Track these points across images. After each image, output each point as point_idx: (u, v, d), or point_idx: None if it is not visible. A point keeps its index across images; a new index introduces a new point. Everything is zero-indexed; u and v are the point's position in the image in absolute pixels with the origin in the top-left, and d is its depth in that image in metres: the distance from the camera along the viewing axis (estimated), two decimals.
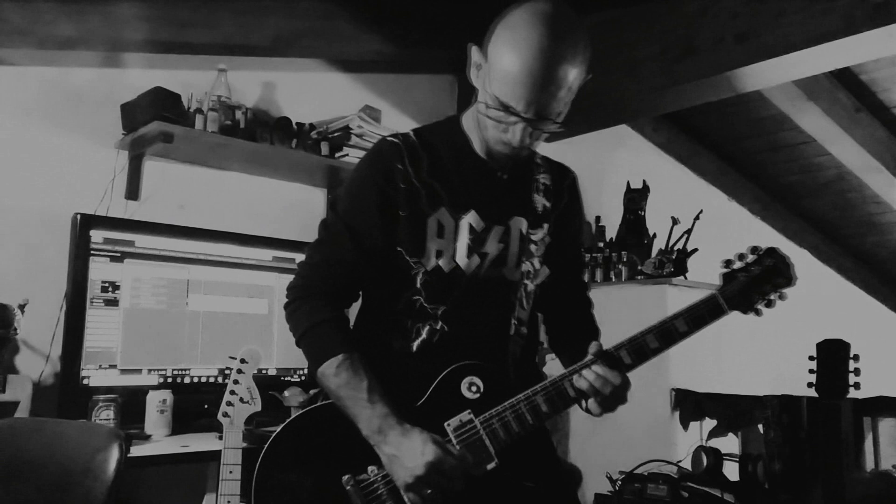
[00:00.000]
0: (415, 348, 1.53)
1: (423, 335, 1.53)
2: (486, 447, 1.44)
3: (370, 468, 1.46)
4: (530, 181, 1.65)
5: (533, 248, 1.60)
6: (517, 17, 1.41)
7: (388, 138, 1.59)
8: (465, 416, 1.46)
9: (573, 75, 1.41)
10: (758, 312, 1.56)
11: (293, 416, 1.57)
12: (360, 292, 1.63)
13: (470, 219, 1.55)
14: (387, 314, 1.57)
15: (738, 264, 1.55)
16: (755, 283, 1.54)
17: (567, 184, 1.72)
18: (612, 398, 1.48)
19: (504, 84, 1.40)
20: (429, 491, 1.40)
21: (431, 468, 1.38)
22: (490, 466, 1.44)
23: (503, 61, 1.39)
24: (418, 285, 1.53)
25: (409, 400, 1.49)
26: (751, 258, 1.55)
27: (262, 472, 1.50)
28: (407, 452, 1.40)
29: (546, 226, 1.63)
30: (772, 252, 1.56)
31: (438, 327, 1.52)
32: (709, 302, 1.52)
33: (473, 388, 1.48)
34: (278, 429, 1.53)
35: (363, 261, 1.54)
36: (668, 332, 1.51)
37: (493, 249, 1.56)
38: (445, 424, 1.45)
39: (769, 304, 1.57)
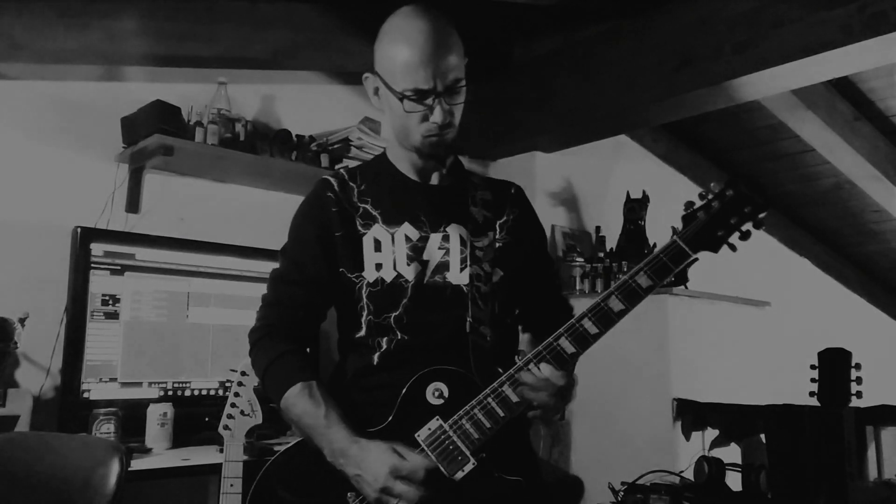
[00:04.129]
0: (376, 361, 1.55)
1: (383, 346, 1.54)
2: (461, 449, 1.44)
3: (349, 495, 1.46)
4: (466, 195, 1.68)
5: (479, 253, 1.60)
6: (390, 24, 1.56)
7: (321, 178, 1.69)
8: (434, 423, 1.46)
9: (455, 47, 1.52)
10: (732, 247, 1.47)
11: (276, 455, 1.62)
12: (318, 324, 1.68)
13: (405, 230, 1.59)
14: (350, 335, 1.60)
15: (698, 204, 1.48)
16: (719, 217, 1.46)
17: (511, 196, 1.75)
18: (559, 398, 1.47)
19: (407, 74, 1.49)
20: (395, 501, 1.39)
21: (391, 476, 1.39)
22: (468, 468, 1.43)
23: (397, 58, 1.50)
24: (364, 300, 1.56)
25: (378, 417, 1.49)
26: (711, 196, 1.48)
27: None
28: (367, 468, 1.41)
29: (491, 234, 1.64)
30: (732, 182, 1.48)
31: (399, 337, 1.53)
32: (669, 248, 1.46)
33: (437, 394, 1.47)
34: (262, 469, 1.58)
35: (313, 291, 1.61)
36: (631, 291, 1.45)
37: (433, 256, 1.58)
38: (416, 436, 1.45)
39: (744, 236, 1.47)
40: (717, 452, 3.10)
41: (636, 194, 4.02)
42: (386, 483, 1.39)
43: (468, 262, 1.59)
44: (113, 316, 2.61)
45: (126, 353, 2.62)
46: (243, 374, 2.06)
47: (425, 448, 1.45)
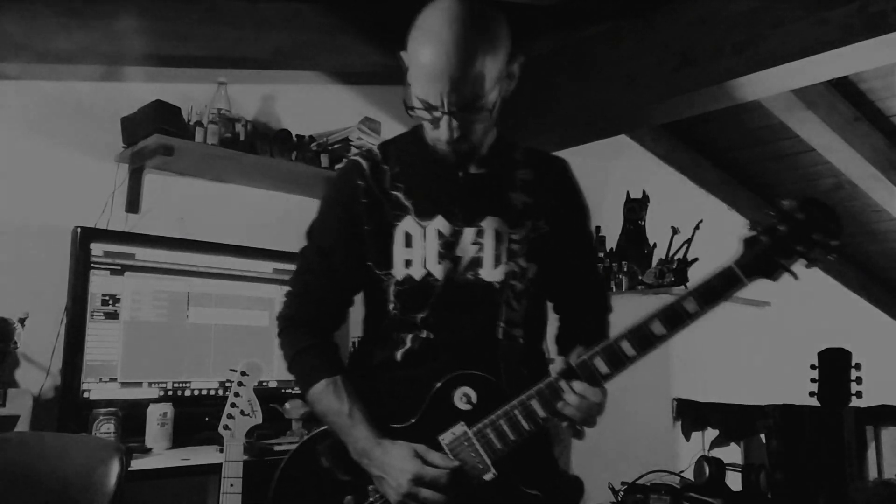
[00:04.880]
0: (399, 357, 1.53)
1: (408, 344, 1.52)
2: (482, 458, 1.42)
3: (370, 488, 1.46)
4: (506, 178, 1.59)
5: (515, 247, 1.54)
6: (422, 16, 1.44)
7: (352, 157, 1.64)
8: (458, 428, 1.44)
9: (480, 59, 1.39)
10: (794, 275, 1.35)
11: (311, 433, 1.60)
12: (345, 311, 1.66)
13: (437, 224, 1.53)
14: (375, 328, 1.59)
15: (762, 226, 1.35)
16: (783, 243, 1.34)
17: (554, 175, 1.65)
18: (590, 415, 1.42)
19: (417, 81, 1.43)
20: None
21: (415, 482, 1.38)
22: (488, 477, 1.42)
23: (413, 60, 1.42)
24: (392, 297, 1.54)
25: (402, 413, 1.48)
26: (777, 218, 1.35)
27: (279, 489, 1.54)
28: (390, 471, 1.41)
29: (529, 223, 1.56)
30: (804, 205, 1.33)
31: (424, 336, 1.51)
32: (723, 274, 1.36)
33: (465, 399, 1.45)
34: (295, 445, 1.58)
35: (338, 282, 1.59)
36: (676, 316, 1.37)
37: (466, 253, 1.53)
38: (440, 439, 1.44)
39: (811, 261, 1.34)
40: (717, 452, 3.09)
41: (636, 194, 4.02)
42: (410, 489, 1.39)
43: (503, 259, 1.53)
44: (113, 316, 2.60)
45: (126, 353, 2.62)
46: (243, 374, 2.06)
47: (447, 452, 1.43)
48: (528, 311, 1.57)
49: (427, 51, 1.39)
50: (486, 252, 1.53)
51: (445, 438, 1.44)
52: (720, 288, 1.36)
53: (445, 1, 1.42)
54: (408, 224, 1.54)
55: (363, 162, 1.59)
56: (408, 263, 1.53)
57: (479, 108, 1.43)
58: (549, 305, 1.72)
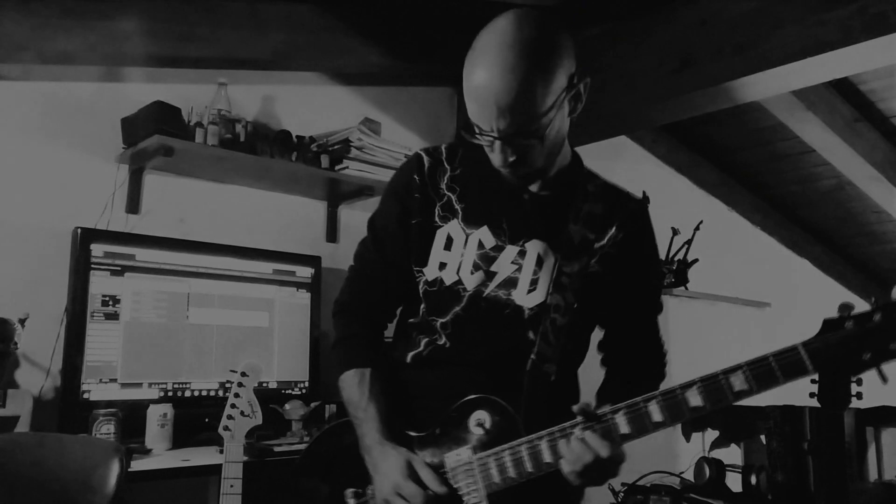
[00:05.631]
0: (409, 359, 1.53)
1: (420, 347, 1.52)
2: (479, 487, 1.39)
3: (369, 487, 1.47)
4: (571, 206, 1.52)
5: (566, 280, 1.46)
6: (478, 39, 1.39)
7: (417, 151, 1.62)
8: (464, 451, 1.42)
9: (531, 85, 1.33)
10: (884, 378, 1.17)
11: (332, 424, 1.65)
12: (398, 303, 1.64)
13: (481, 234, 1.50)
14: (403, 325, 1.60)
15: (852, 312, 1.17)
16: (873, 336, 1.15)
17: (626, 214, 1.55)
18: (596, 472, 1.33)
19: (471, 105, 1.38)
20: None
21: (393, 492, 1.39)
22: None
23: (466, 81, 1.37)
24: (421, 295, 1.54)
25: (422, 421, 1.48)
26: (874, 307, 1.17)
27: (302, 464, 1.58)
28: (381, 473, 1.42)
29: (586, 259, 1.49)
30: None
31: (441, 342, 1.50)
32: (784, 352, 1.20)
33: (478, 423, 1.42)
34: (317, 433, 1.64)
35: (391, 272, 1.58)
36: (718, 390, 1.23)
37: (503, 270, 1.48)
38: (445, 457, 1.43)
39: (881, 364, 1.15)
40: (718, 453, 3.09)
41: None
42: (388, 497, 1.39)
43: (545, 287, 1.47)
44: (113, 316, 2.60)
45: (126, 354, 2.62)
46: (243, 374, 2.05)
47: (448, 472, 1.42)
48: (567, 349, 1.50)
49: (477, 74, 1.34)
50: (524, 274, 1.48)
51: (450, 459, 1.43)
52: (779, 369, 1.22)
53: (503, 21, 1.37)
54: (452, 227, 1.52)
55: (425, 157, 1.58)
56: (442, 266, 1.51)
57: (533, 134, 1.37)
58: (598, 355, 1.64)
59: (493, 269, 1.49)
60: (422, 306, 1.54)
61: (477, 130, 1.39)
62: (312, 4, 3.06)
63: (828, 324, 1.19)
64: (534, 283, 1.48)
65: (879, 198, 4.80)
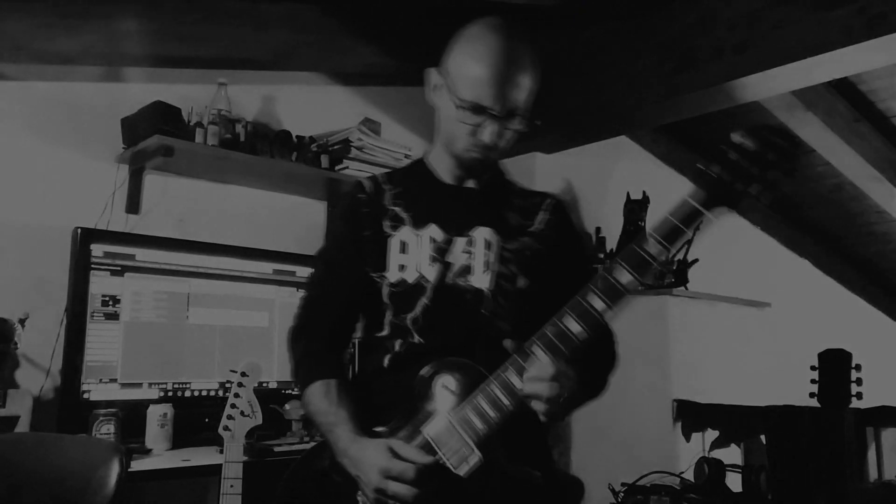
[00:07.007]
0: (386, 363, 1.54)
1: (396, 348, 1.54)
2: (466, 443, 1.39)
3: (357, 494, 1.45)
4: (502, 199, 1.67)
5: (508, 255, 1.57)
6: (475, 30, 1.54)
7: (357, 179, 1.73)
8: (440, 416, 1.42)
9: (530, 76, 1.52)
10: (756, 199, 1.31)
11: (311, 448, 1.63)
12: (353, 323, 1.67)
13: (430, 231, 1.59)
14: (371, 342, 1.61)
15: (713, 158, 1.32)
16: (735, 170, 1.30)
17: (551, 203, 1.70)
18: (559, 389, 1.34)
19: (473, 88, 1.49)
20: (390, 502, 1.38)
21: (383, 477, 1.37)
22: (473, 462, 1.38)
23: (469, 68, 1.50)
24: (385, 299, 1.57)
25: (386, 415, 1.49)
26: (729, 146, 1.32)
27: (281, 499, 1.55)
28: (362, 467, 1.41)
29: (524, 239, 1.61)
30: (758, 130, 1.31)
31: (414, 341, 1.52)
32: (679, 209, 1.34)
33: (443, 388, 1.44)
34: (293, 465, 1.59)
35: (343, 292, 1.63)
36: (641, 261, 1.34)
37: (458, 259, 1.57)
38: (423, 431, 1.42)
39: (771, 185, 1.29)
40: (718, 453, 3.10)
41: (636, 195, 4.02)
42: (379, 485, 1.37)
43: (492, 266, 1.56)
44: (113, 317, 2.60)
45: (126, 354, 2.62)
46: (243, 374, 2.06)
47: (433, 443, 1.41)
48: (520, 310, 1.55)
49: (485, 60, 1.48)
50: (477, 260, 1.57)
51: (429, 430, 1.42)
52: (681, 222, 1.35)
53: (494, 19, 1.53)
54: (404, 233, 1.59)
55: (365, 182, 1.69)
56: (402, 267, 1.57)
57: (523, 115, 1.53)
58: None
59: (448, 259, 1.57)
60: (387, 314, 1.56)
61: (471, 109, 1.50)
62: (313, 4, 3.06)
63: (698, 175, 1.33)
64: (486, 265, 1.56)
65: (879, 198, 4.80)
